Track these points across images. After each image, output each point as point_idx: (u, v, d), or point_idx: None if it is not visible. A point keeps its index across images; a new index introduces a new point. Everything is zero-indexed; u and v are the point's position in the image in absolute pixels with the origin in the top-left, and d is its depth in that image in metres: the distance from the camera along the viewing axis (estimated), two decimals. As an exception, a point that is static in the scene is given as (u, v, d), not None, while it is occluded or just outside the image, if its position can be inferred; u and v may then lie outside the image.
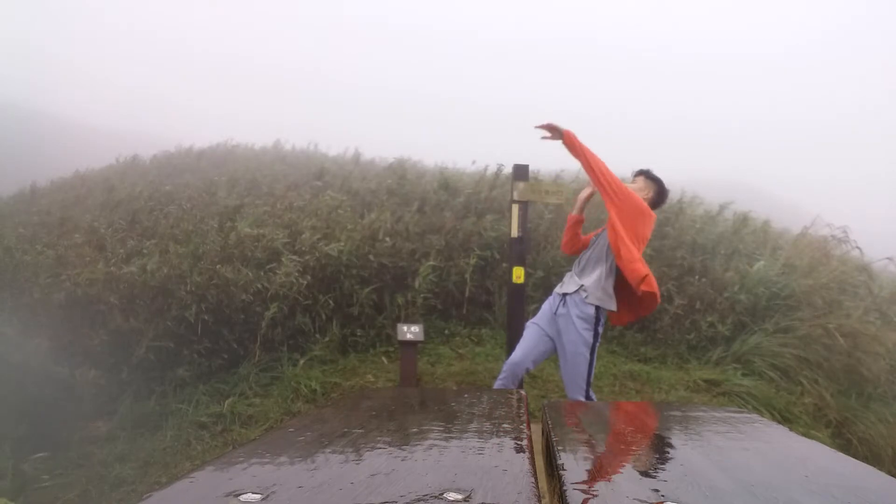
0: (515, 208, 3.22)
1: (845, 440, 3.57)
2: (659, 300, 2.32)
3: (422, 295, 4.22)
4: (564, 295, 2.41)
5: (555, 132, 2.32)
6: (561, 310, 2.40)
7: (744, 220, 5.86)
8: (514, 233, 3.24)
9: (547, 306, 2.51)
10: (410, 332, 3.45)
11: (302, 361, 3.82)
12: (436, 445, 0.61)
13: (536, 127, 2.38)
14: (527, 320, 2.68)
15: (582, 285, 2.36)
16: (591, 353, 2.34)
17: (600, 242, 2.40)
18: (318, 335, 4.06)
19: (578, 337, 2.32)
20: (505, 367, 2.52)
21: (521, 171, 3.27)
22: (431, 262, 4.30)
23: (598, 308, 2.33)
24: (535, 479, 0.51)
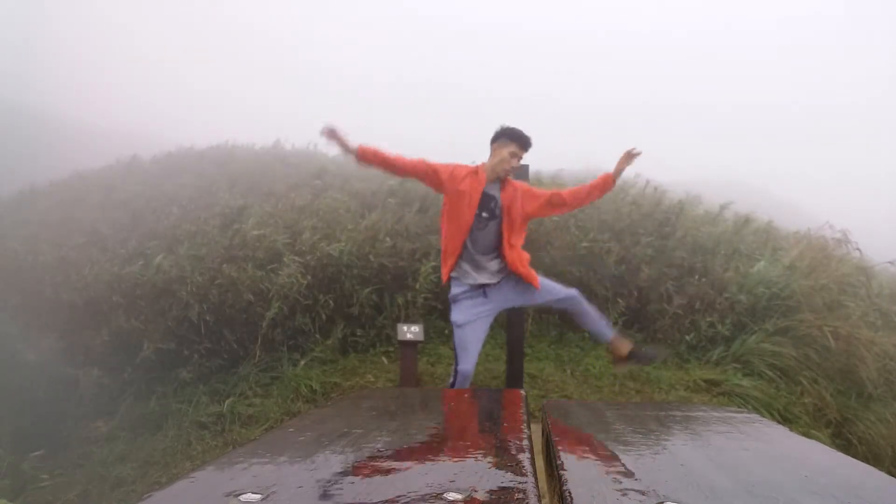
0: (516, 208, 3.21)
1: (845, 440, 3.57)
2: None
3: (422, 295, 4.21)
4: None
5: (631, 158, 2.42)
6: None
7: (745, 221, 5.85)
8: (515, 233, 3.22)
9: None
10: (410, 331, 3.44)
11: (302, 362, 3.82)
12: (436, 445, 0.61)
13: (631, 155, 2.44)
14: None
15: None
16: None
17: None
18: (318, 335, 4.06)
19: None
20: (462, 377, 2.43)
21: (521, 171, 3.26)
22: (433, 263, 4.29)
23: None
24: (536, 479, 0.51)
